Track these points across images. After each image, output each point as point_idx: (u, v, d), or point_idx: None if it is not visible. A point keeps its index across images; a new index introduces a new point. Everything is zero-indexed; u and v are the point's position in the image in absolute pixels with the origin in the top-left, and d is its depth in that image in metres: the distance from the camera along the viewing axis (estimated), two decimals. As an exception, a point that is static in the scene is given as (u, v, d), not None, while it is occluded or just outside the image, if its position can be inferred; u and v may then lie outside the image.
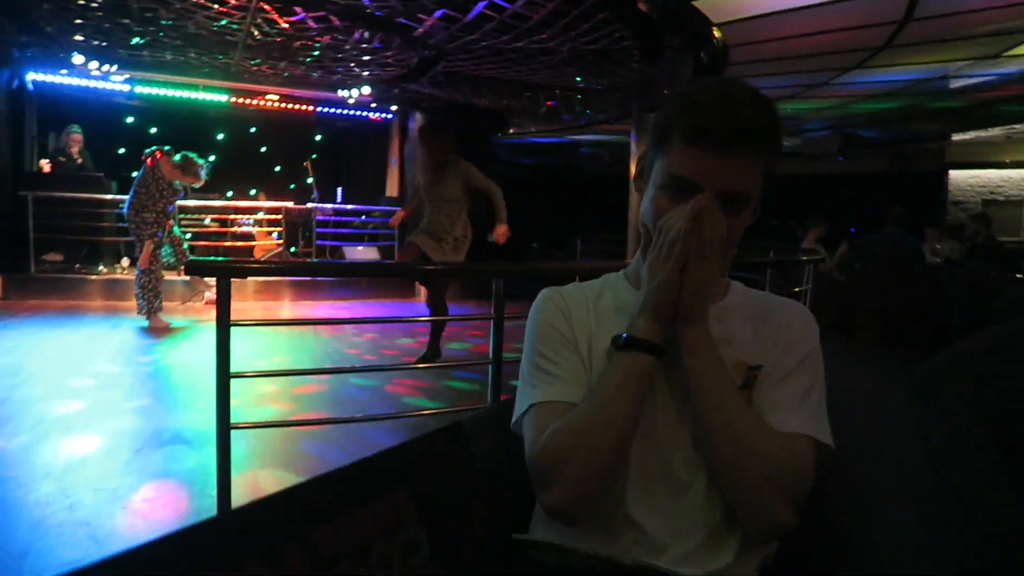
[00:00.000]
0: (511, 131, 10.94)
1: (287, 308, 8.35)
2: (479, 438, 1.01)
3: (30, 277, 7.82)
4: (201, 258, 5.85)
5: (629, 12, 5.41)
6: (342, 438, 3.40)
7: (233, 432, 2.44)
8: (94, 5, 6.20)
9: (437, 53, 7.17)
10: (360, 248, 9.72)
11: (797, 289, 4.68)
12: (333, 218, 9.91)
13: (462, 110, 9.72)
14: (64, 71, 8.82)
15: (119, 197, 8.40)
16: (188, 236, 8.96)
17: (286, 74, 8.76)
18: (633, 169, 8.23)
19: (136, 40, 7.33)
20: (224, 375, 2.38)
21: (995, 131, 10.64)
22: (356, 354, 5.75)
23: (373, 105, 10.40)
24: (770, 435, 0.95)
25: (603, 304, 1.11)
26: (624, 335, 0.98)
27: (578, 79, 7.84)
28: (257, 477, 2.96)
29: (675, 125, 0.97)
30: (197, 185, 6.95)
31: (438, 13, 5.87)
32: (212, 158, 6.74)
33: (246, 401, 3.93)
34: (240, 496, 2.63)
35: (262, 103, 10.24)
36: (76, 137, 8.63)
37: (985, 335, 1.13)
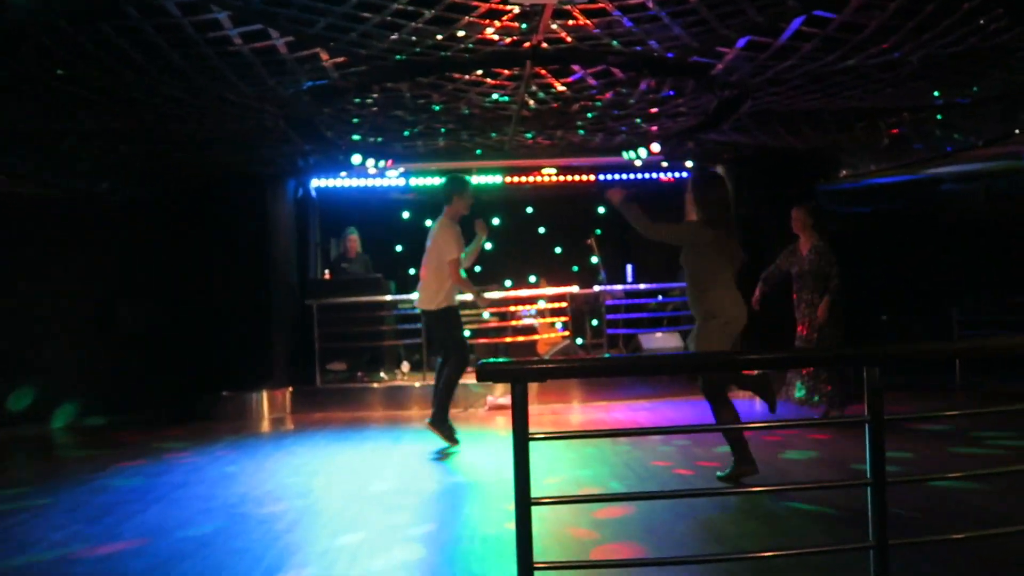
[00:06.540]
0: (843, 174, 10.28)
1: (577, 411, 8.49)
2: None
3: (316, 389, 9.11)
4: (491, 359, 6.19)
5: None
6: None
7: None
8: (369, 101, 7.15)
9: (740, 91, 7.03)
10: (659, 335, 9.69)
11: None
12: (624, 301, 10.04)
13: (775, 156, 9.39)
14: (343, 174, 10.29)
15: (399, 298, 9.44)
16: (467, 334, 9.72)
17: (563, 143, 9.25)
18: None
19: (409, 131, 8.30)
20: (524, 503, 2.35)
21: None
22: (666, 467, 5.60)
23: (664, 164, 10.51)
24: None
25: None
26: None
27: (936, 94, 7.12)
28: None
29: None
30: None
31: (741, 42, 5.76)
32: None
33: (541, 528, 3.93)
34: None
35: (537, 179, 10.91)
36: (353, 239, 10.00)
37: None
